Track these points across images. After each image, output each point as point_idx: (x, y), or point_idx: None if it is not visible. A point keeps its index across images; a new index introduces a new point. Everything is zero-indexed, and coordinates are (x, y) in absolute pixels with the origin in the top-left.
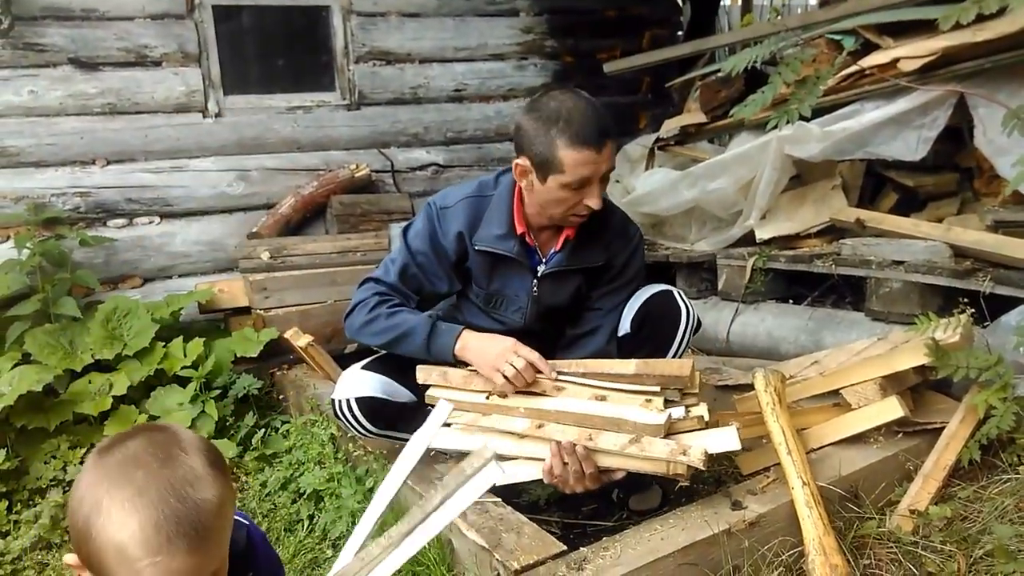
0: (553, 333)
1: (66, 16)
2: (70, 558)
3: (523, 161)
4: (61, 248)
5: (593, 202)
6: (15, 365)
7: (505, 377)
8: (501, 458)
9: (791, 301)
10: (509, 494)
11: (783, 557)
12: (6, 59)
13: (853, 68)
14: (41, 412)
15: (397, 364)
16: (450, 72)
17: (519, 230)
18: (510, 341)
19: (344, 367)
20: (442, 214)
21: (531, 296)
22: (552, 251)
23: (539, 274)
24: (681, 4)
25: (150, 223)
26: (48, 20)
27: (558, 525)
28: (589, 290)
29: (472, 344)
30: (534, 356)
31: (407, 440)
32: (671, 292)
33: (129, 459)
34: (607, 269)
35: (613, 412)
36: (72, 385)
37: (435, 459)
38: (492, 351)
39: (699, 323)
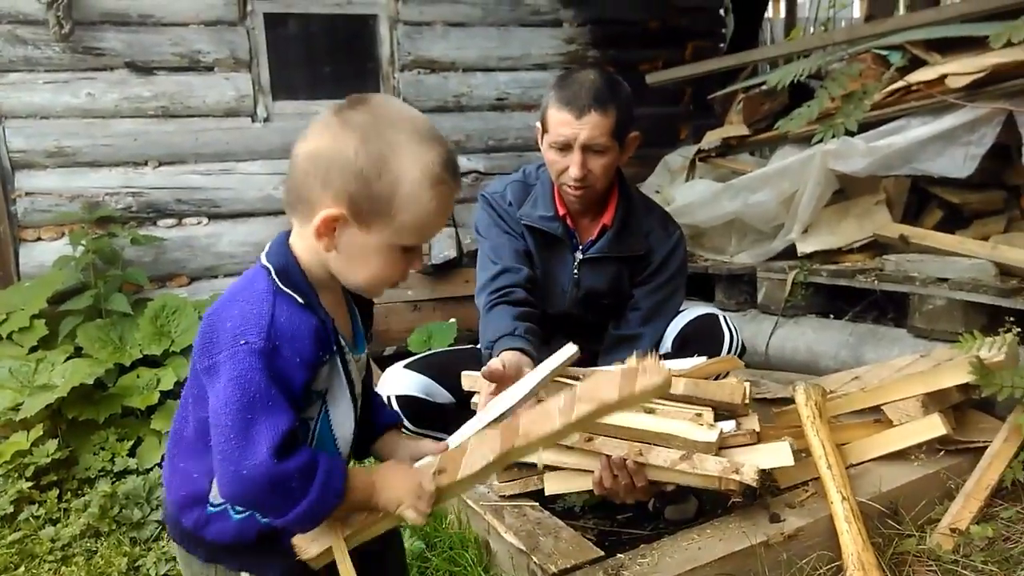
0: (597, 325)
1: (123, 22)
2: (329, 212)
3: (538, 123)
4: (113, 246)
5: (572, 170)
6: (68, 358)
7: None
8: (549, 468)
9: (831, 316)
10: (545, 499)
11: (821, 571)
12: (66, 62)
13: (900, 84)
14: (91, 404)
15: (439, 366)
16: (493, 81)
17: (560, 212)
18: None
19: (384, 368)
20: (496, 198)
21: (572, 279)
22: (589, 239)
23: (579, 259)
24: (724, 17)
25: (198, 224)
26: (106, 25)
27: (594, 532)
28: (632, 283)
29: None
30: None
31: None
32: (716, 316)
33: (390, 112)
34: (647, 262)
35: (663, 427)
36: (121, 379)
37: None
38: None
39: (743, 349)
